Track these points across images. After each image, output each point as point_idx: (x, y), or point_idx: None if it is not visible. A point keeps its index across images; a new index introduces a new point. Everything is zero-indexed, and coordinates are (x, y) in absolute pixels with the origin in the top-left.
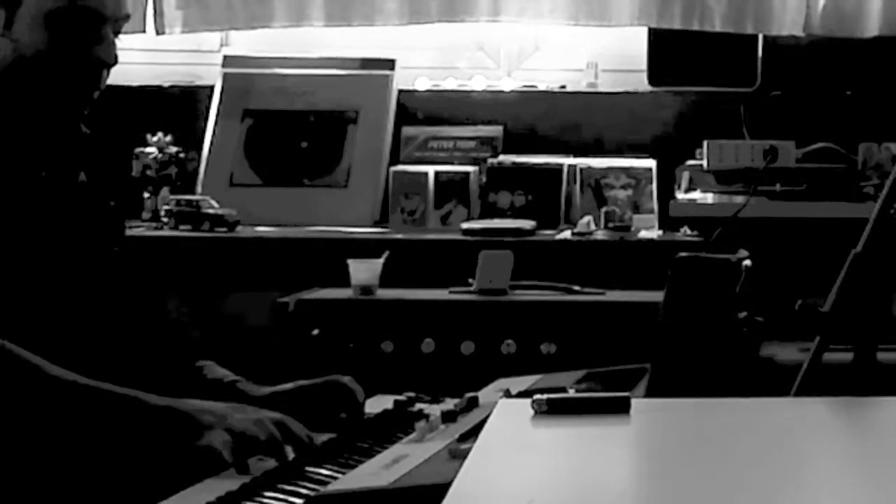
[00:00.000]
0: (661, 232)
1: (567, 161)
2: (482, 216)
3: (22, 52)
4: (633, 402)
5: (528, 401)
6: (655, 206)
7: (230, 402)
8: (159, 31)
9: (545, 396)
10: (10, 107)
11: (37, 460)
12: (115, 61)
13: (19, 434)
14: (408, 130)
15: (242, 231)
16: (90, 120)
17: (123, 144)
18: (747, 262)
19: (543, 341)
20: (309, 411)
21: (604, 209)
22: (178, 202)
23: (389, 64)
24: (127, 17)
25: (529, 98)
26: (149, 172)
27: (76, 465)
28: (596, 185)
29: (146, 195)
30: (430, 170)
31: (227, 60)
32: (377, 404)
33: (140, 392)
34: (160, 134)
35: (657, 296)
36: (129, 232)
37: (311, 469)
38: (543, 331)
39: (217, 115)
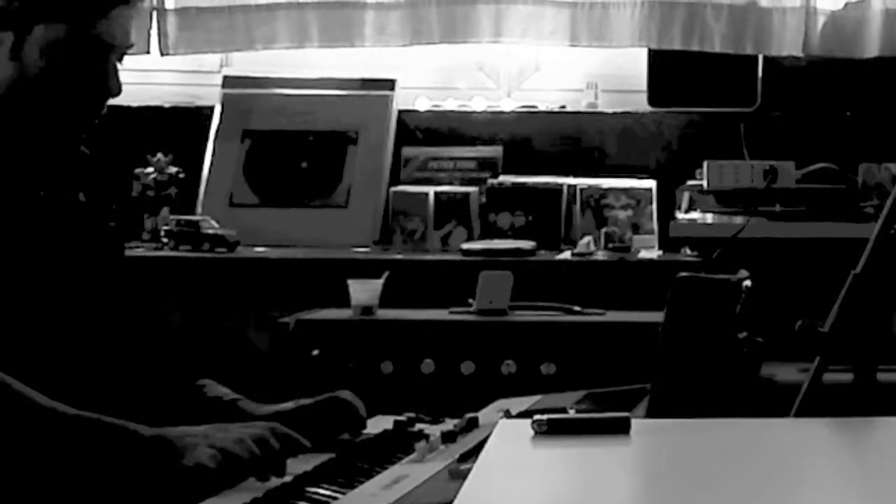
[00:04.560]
0: (661, 252)
1: (567, 181)
2: (482, 237)
3: (28, 76)
4: (634, 422)
5: (528, 421)
6: (655, 227)
7: (225, 421)
8: (163, 53)
9: (545, 417)
10: (11, 127)
11: (24, 492)
12: (119, 91)
13: (7, 465)
14: (408, 151)
15: (242, 251)
16: (90, 140)
17: (123, 165)
18: (747, 283)
19: (543, 362)
20: (311, 429)
21: (604, 230)
22: (178, 222)
23: (389, 84)
24: (131, 46)
25: (529, 118)
26: (149, 193)
27: (66, 497)
28: (596, 206)
29: (146, 215)
30: (430, 190)
31: (227, 81)
32: (377, 424)
33: (128, 422)
34: (160, 154)
35: (657, 316)
36: (128, 252)
37: (311, 489)
38: (543, 351)
39: (217, 135)
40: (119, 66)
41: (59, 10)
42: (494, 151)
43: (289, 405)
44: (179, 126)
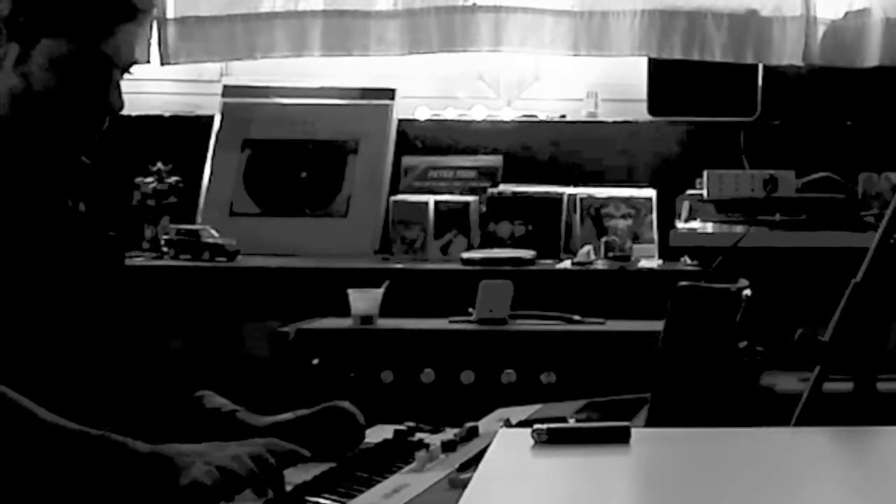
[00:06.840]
0: (661, 261)
1: (567, 191)
2: (482, 246)
3: (32, 89)
4: (633, 431)
5: (528, 430)
6: (655, 236)
7: (223, 432)
8: (164, 62)
9: (545, 426)
10: (13, 137)
11: None
12: (121, 107)
13: (6, 479)
14: (408, 160)
15: (242, 260)
16: (90, 150)
17: (123, 174)
18: (747, 292)
19: (543, 371)
20: (310, 440)
21: (604, 239)
22: (178, 231)
23: (390, 93)
24: (136, 63)
25: (529, 128)
26: (149, 202)
27: None
28: (596, 215)
29: (146, 224)
30: (430, 199)
31: (227, 90)
32: (377, 434)
33: (126, 439)
34: (160, 163)
35: (657, 325)
36: (129, 261)
37: (311, 499)
38: (543, 360)
39: (217, 144)
40: (122, 81)
41: (64, 26)
42: (494, 160)
43: (287, 416)
44: (179, 135)
